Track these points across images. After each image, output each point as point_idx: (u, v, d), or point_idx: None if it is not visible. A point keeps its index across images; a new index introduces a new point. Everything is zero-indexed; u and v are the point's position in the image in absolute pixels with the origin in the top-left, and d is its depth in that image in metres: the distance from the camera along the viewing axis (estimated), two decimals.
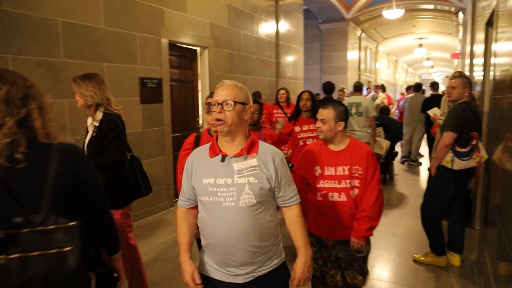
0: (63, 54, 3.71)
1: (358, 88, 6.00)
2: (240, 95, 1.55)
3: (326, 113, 2.18)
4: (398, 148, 8.49)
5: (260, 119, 3.41)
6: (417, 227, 3.60)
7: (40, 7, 3.47)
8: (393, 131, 6.53)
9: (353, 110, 5.58)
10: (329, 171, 2.19)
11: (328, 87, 5.83)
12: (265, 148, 1.61)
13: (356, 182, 2.17)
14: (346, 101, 5.95)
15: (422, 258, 3.44)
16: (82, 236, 1.23)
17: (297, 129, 3.83)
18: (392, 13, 9.80)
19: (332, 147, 2.23)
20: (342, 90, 9.03)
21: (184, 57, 5.48)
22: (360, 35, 13.51)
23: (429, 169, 3.48)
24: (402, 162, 8.35)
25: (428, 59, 22.36)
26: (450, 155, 3.06)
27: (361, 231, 2.14)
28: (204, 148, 1.66)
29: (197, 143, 2.37)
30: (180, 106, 5.40)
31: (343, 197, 2.17)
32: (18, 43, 3.31)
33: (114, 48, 4.23)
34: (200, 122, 5.74)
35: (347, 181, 2.16)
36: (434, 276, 3.24)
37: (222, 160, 1.55)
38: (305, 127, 3.84)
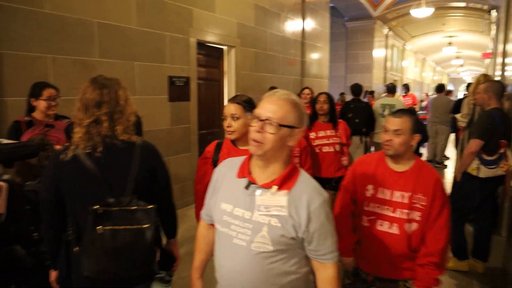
0: (97, 54, 3.86)
1: (391, 89, 6.04)
2: (290, 115, 1.21)
3: (400, 123, 1.79)
4: (424, 149, 8.43)
5: None
6: None
7: (77, 9, 3.63)
8: (419, 132, 6.47)
9: (386, 112, 5.68)
10: (383, 194, 1.81)
11: (356, 89, 5.83)
12: (305, 185, 1.25)
13: (416, 215, 1.75)
14: (379, 102, 5.97)
15: None
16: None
17: (312, 135, 3.45)
18: (421, 12, 9.60)
19: (394, 165, 1.84)
20: None
21: (211, 56, 5.59)
22: (387, 33, 13.29)
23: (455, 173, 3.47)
24: None
25: (457, 57, 21.76)
26: (476, 163, 3.03)
27: (429, 280, 1.73)
28: (236, 162, 1.37)
29: (217, 152, 2.09)
30: (206, 104, 5.51)
31: (395, 229, 1.78)
32: (57, 43, 3.48)
33: (145, 48, 4.37)
34: None
35: (405, 211, 1.75)
36: (456, 282, 3.24)
37: (247, 187, 1.27)
38: (321, 133, 3.46)
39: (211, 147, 2.17)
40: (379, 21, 12.07)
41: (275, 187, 1.23)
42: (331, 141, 3.43)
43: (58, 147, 2.55)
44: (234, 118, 1.92)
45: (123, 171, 1.53)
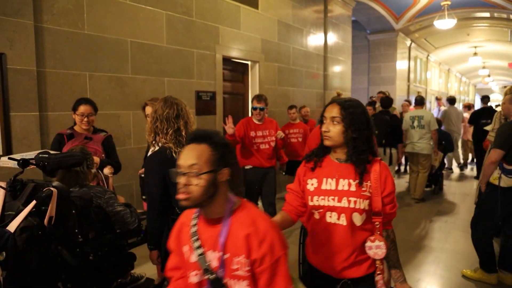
0: (130, 71, 4.11)
1: (420, 101, 6.27)
2: None
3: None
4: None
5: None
6: (467, 242, 3.57)
7: (113, 29, 3.89)
8: (445, 143, 6.52)
9: (415, 123, 5.89)
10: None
11: (385, 102, 5.87)
12: None
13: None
14: (409, 114, 6.13)
15: (470, 273, 3.41)
16: None
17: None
18: (444, 23, 9.58)
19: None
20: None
21: (236, 71, 5.79)
22: (410, 45, 13.25)
23: (478, 183, 3.47)
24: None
25: (483, 67, 21.32)
26: (497, 172, 3.06)
27: None
28: None
29: None
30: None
31: None
32: (94, 61, 3.74)
33: (174, 64, 4.60)
34: None
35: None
36: None
37: None
38: None
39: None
40: (401, 33, 12.07)
41: None
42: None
43: (96, 158, 2.76)
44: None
45: None
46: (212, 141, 1.27)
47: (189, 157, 1.24)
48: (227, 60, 5.45)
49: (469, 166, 9.41)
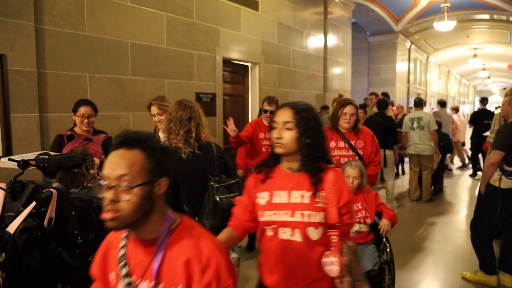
0: (130, 72, 4.11)
1: (418, 103, 6.37)
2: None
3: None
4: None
5: None
6: (467, 244, 3.57)
7: (113, 31, 3.90)
8: (444, 144, 6.54)
9: (415, 125, 5.97)
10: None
11: (381, 103, 5.87)
12: None
13: None
14: (408, 116, 6.17)
15: (470, 275, 3.41)
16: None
17: None
18: (444, 25, 9.59)
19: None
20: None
21: (236, 73, 5.79)
22: (410, 47, 13.27)
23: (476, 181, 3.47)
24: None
25: (483, 69, 21.35)
26: (497, 173, 3.06)
27: None
28: None
29: None
30: None
31: None
32: (94, 63, 3.74)
33: (174, 66, 4.60)
34: None
35: None
36: None
37: None
38: None
39: None
40: (401, 35, 12.09)
41: None
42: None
43: (96, 159, 2.76)
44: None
45: (210, 160, 2.33)
46: (146, 145, 1.03)
47: (118, 165, 0.98)
48: (227, 62, 5.45)
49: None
